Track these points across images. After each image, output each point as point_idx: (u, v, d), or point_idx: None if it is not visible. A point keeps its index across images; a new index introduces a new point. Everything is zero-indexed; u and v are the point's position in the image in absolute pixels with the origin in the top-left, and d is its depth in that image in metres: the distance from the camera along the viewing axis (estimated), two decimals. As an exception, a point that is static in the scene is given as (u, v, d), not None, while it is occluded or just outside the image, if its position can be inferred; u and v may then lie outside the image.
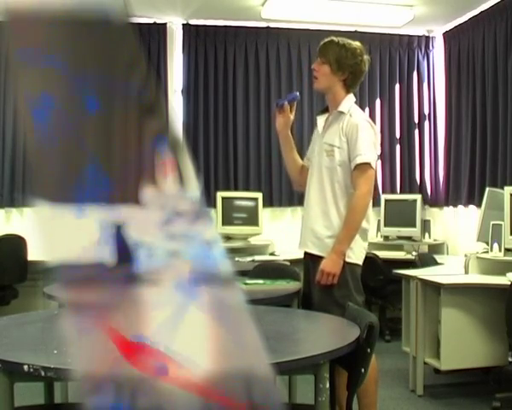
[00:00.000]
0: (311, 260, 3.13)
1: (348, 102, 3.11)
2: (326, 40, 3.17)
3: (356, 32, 6.58)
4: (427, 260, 5.04)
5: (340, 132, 3.05)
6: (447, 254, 6.19)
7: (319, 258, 3.04)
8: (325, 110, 3.25)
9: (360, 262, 3.10)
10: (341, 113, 3.08)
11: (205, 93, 6.36)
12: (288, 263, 4.46)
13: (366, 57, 3.15)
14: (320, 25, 6.33)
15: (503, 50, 5.57)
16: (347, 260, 3.01)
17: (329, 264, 2.97)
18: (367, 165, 3.00)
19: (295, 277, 3.65)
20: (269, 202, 6.33)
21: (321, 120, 3.21)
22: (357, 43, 3.15)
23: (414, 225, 6.12)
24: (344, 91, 3.11)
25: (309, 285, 3.17)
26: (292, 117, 3.26)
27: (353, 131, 3.01)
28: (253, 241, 6.01)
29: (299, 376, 3.09)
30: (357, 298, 3.02)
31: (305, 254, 3.21)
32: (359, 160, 2.99)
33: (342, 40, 3.12)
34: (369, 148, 3.02)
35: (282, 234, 6.15)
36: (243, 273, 3.80)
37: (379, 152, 3.23)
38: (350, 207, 3.00)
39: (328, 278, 2.96)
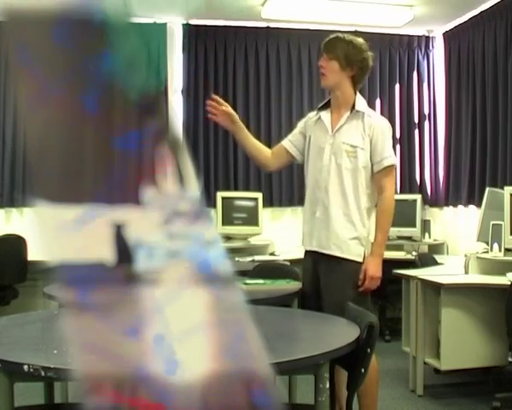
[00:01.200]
0: (323, 261, 3.09)
1: (362, 102, 3.12)
2: (331, 37, 3.12)
3: (356, 32, 6.57)
4: (427, 260, 5.04)
5: (361, 133, 3.04)
6: (447, 254, 6.19)
7: (336, 259, 3.04)
8: (326, 105, 3.19)
9: None
10: (358, 112, 3.07)
11: (205, 93, 6.35)
12: (287, 263, 4.46)
13: (370, 53, 3.14)
14: (320, 25, 6.33)
15: (503, 50, 5.57)
16: (361, 260, 3.06)
17: (377, 269, 3.01)
18: (393, 166, 3.09)
19: (295, 277, 3.65)
20: (269, 202, 6.33)
21: (326, 116, 3.14)
22: (361, 40, 3.13)
23: (414, 225, 6.12)
24: (351, 88, 3.10)
25: (313, 285, 3.13)
26: (227, 105, 3.15)
27: (378, 133, 3.03)
28: (253, 241, 6.00)
29: (299, 376, 3.09)
30: (369, 298, 3.09)
31: (313, 254, 3.14)
32: (387, 162, 3.04)
33: (348, 36, 3.10)
34: (392, 150, 3.09)
35: (282, 234, 6.16)
36: (243, 273, 3.80)
37: None
38: (382, 210, 3.05)
39: (376, 283, 3.02)
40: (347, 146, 3.04)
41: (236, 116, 3.16)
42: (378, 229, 3.04)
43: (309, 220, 3.16)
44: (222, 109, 3.12)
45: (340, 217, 3.04)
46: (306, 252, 3.22)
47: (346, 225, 3.03)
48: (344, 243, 3.03)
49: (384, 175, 3.04)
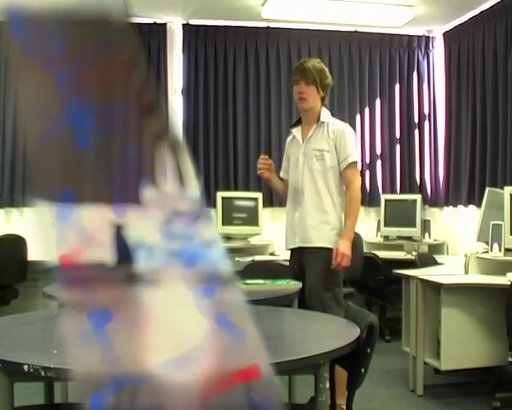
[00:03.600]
0: (307, 254, 3.55)
1: (327, 113, 3.62)
2: (304, 64, 3.56)
3: (356, 32, 6.59)
4: (427, 260, 5.04)
5: (326, 138, 3.53)
6: (447, 254, 6.19)
7: (318, 249, 3.49)
8: (297, 123, 3.71)
9: None
10: (323, 122, 3.57)
11: (205, 93, 6.36)
12: (286, 263, 4.45)
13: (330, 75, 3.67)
14: (320, 25, 6.33)
15: (503, 50, 5.57)
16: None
17: (346, 248, 3.42)
18: (356, 163, 3.56)
19: (291, 276, 3.68)
20: (269, 202, 6.33)
21: (297, 132, 3.66)
22: (319, 61, 3.67)
23: (414, 225, 6.12)
24: (320, 105, 3.60)
25: (300, 280, 3.46)
26: (270, 161, 3.72)
27: (341, 136, 3.52)
28: (253, 241, 6.00)
29: (299, 376, 3.09)
30: (342, 287, 3.54)
31: (297, 251, 3.60)
32: (351, 159, 3.52)
33: (318, 62, 3.61)
34: (354, 149, 3.61)
35: (282, 234, 6.14)
36: (243, 273, 3.80)
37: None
38: (351, 199, 3.49)
39: (347, 261, 3.41)
40: (316, 151, 3.54)
41: (272, 166, 3.73)
42: (348, 215, 3.49)
43: (290, 223, 3.65)
44: (269, 164, 3.69)
45: (317, 213, 3.51)
46: (291, 252, 3.70)
47: (323, 219, 3.51)
48: (324, 235, 3.50)
49: (350, 170, 3.52)
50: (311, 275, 3.49)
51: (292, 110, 6.51)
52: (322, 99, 3.60)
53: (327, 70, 3.64)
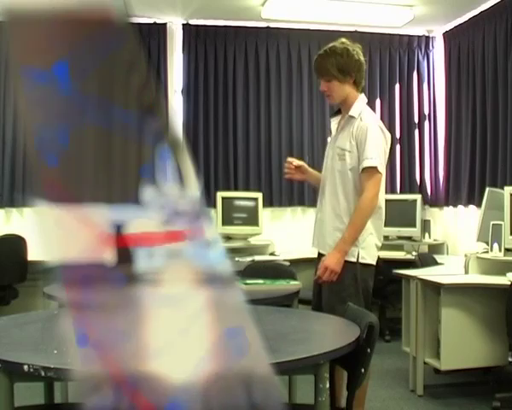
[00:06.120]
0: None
1: (359, 106, 3.15)
2: (319, 57, 3.16)
3: (356, 32, 6.58)
4: (427, 260, 5.04)
5: (350, 136, 3.09)
6: (447, 254, 6.19)
7: None
8: (338, 112, 3.30)
9: (372, 262, 3.19)
10: (352, 117, 3.13)
11: (205, 93, 6.36)
12: (287, 263, 4.46)
13: (356, 49, 3.15)
14: (320, 25, 6.33)
15: (503, 50, 5.57)
16: (360, 260, 3.10)
17: (333, 261, 3.02)
18: (374, 169, 3.04)
19: (292, 276, 3.67)
20: (269, 202, 6.34)
21: (334, 123, 3.29)
22: (342, 41, 3.16)
23: (414, 225, 6.12)
24: (355, 90, 3.16)
25: (316, 284, 3.22)
26: (300, 162, 3.37)
27: (362, 134, 3.05)
28: (253, 241, 6.01)
29: (299, 376, 3.09)
30: (362, 299, 3.08)
31: (320, 254, 3.26)
32: (366, 163, 3.03)
33: (333, 48, 3.12)
34: (376, 151, 3.05)
35: (282, 234, 6.16)
36: (242, 273, 3.80)
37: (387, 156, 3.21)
38: (356, 209, 3.05)
39: (330, 275, 3.02)
40: (338, 149, 3.14)
41: (305, 166, 3.38)
42: (348, 226, 3.05)
43: (315, 221, 3.31)
44: (295, 165, 3.33)
45: (333, 218, 3.13)
46: (318, 253, 3.31)
47: (337, 226, 3.11)
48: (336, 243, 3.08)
49: (365, 176, 3.05)
50: (325, 287, 3.13)
51: (292, 110, 6.52)
52: (356, 83, 3.15)
53: (348, 50, 3.11)
